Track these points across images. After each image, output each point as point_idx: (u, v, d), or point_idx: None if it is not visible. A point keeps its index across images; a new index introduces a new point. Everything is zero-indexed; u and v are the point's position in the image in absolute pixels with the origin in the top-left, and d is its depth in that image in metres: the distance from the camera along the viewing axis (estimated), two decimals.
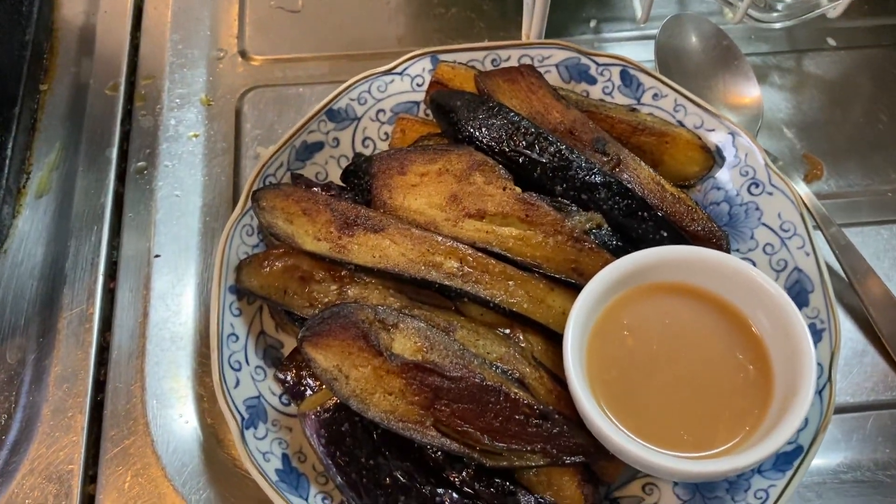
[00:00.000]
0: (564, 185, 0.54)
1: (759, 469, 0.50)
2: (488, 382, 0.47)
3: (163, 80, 0.68)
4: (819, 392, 0.50)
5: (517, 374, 0.49)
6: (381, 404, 0.46)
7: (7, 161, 0.63)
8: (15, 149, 0.64)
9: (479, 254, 0.51)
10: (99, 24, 0.71)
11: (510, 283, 0.51)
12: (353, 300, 0.50)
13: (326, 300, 0.50)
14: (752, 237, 0.57)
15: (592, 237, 0.53)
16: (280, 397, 0.53)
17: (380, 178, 0.54)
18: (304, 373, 0.53)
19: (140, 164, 0.65)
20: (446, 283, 0.50)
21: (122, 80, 0.68)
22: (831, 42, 0.70)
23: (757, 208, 0.57)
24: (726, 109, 0.64)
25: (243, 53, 0.71)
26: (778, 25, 0.65)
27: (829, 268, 0.58)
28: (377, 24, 0.72)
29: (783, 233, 0.56)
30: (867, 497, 0.53)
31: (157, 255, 0.61)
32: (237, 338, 0.53)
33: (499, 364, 0.48)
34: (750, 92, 0.65)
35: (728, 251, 0.56)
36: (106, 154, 0.65)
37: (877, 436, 0.55)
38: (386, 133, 0.62)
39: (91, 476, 0.54)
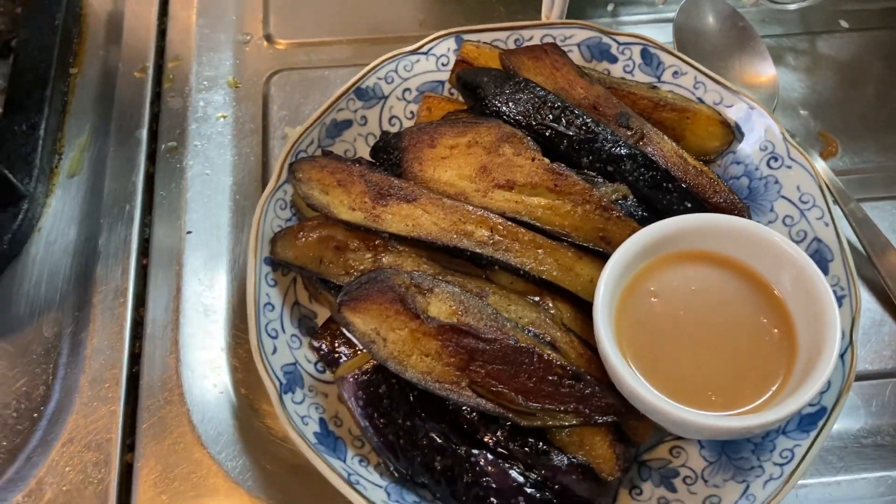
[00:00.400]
0: (590, 157, 0.56)
1: (783, 430, 0.51)
2: (522, 344, 0.48)
3: (190, 63, 0.70)
4: (841, 355, 0.52)
5: (548, 338, 0.50)
6: (419, 366, 0.48)
7: (40, 142, 0.65)
8: (47, 130, 0.65)
9: (509, 223, 0.52)
10: (127, 9, 0.72)
11: (539, 251, 0.52)
12: (387, 267, 0.51)
13: (362, 268, 0.52)
14: (771, 209, 0.59)
15: (620, 208, 0.54)
16: (315, 365, 0.54)
17: (410, 151, 0.56)
18: (337, 341, 0.54)
19: (170, 144, 0.66)
20: (478, 250, 0.51)
21: (151, 63, 0.70)
22: (844, 24, 0.72)
23: (776, 181, 0.59)
24: (743, 88, 0.66)
25: (268, 37, 0.72)
26: (793, 7, 0.66)
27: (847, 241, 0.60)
28: (398, 8, 0.74)
29: (802, 205, 0.58)
30: (887, 460, 0.54)
31: (188, 232, 0.62)
32: (273, 307, 0.54)
33: (530, 328, 0.50)
34: (766, 71, 0.66)
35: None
36: (136, 135, 0.66)
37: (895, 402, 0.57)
38: (412, 112, 0.63)
39: (129, 445, 0.56)
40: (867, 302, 0.60)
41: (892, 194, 0.64)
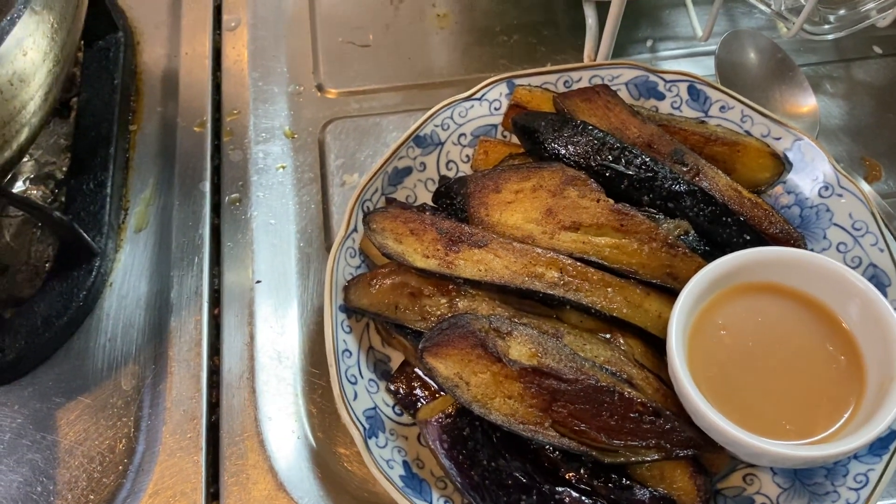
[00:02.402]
0: (651, 195, 0.57)
1: (855, 454, 0.52)
2: (602, 384, 0.49)
3: (247, 116, 0.72)
4: None
5: (625, 376, 0.51)
6: (502, 408, 0.49)
7: (107, 199, 0.67)
8: (113, 187, 0.68)
9: (578, 263, 0.54)
10: (181, 66, 0.75)
11: (609, 289, 0.54)
12: (463, 312, 0.53)
13: (439, 313, 0.53)
14: (824, 237, 0.60)
15: (683, 243, 0.56)
16: (393, 408, 0.56)
17: (476, 198, 0.57)
18: (414, 384, 0.56)
19: (234, 195, 0.68)
20: (550, 292, 0.53)
21: (208, 117, 0.72)
22: (877, 50, 0.74)
23: (828, 210, 0.61)
24: (785, 118, 0.68)
25: (320, 87, 0.74)
26: (830, 37, 0.68)
27: None
28: (443, 54, 0.76)
29: (855, 231, 0.59)
30: None
31: (258, 281, 0.64)
32: (350, 353, 0.56)
33: (607, 367, 0.51)
34: (807, 101, 0.68)
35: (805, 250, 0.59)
36: (199, 187, 0.68)
37: None
38: (467, 155, 0.65)
39: (213, 493, 0.57)
40: None
41: None
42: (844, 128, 0.70)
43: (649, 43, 0.75)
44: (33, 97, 0.53)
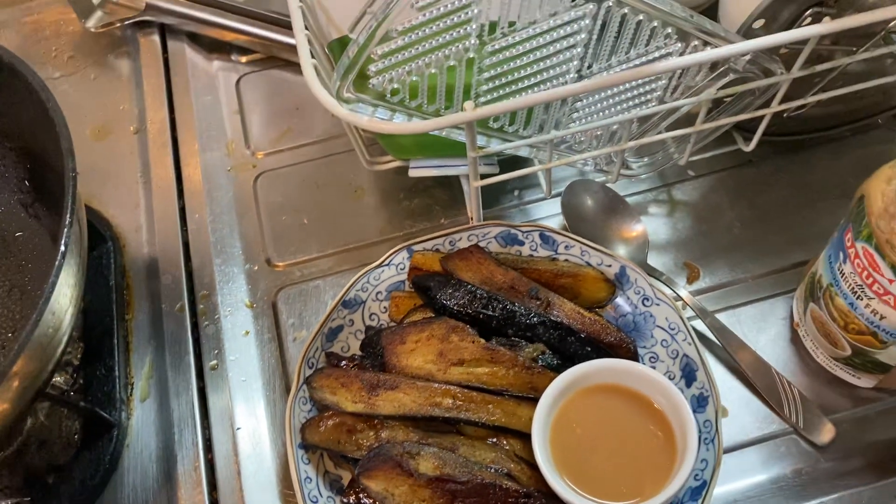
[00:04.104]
0: (514, 329, 0.78)
1: (681, 500, 0.72)
2: (487, 480, 0.69)
3: (216, 294, 0.93)
4: (712, 440, 0.74)
5: (506, 470, 0.72)
6: None
7: (116, 380, 0.87)
8: (120, 369, 0.88)
9: (465, 390, 0.75)
10: (160, 260, 0.96)
11: (490, 406, 0.74)
12: (386, 440, 0.73)
13: (368, 444, 0.73)
14: (651, 336, 0.81)
15: (540, 362, 0.77)
16: None
17: (388, 348, 0.78)
18: (361, 495, 0.75)
19: (212, 362, 0.88)
20: (447, 415, 0.73)
21: (185, 300, 0.93)
22: (690, 172, 0.96)
23: (651, 315, 0.82)
24: (621, 242, 0.89)
25: (269, 262, 0.95)
26: (644, 175, 0.90)
27: (715, 343, 0.83)
28: (362, 221, 0.97)
29: (671, 330, 0.80)
30: None
31: (238, 428, 0.84)
32: (311, 479, 0.76)
33: (492, 466, 0.72)
34: (636, 226, 0.90)
35: (636, 351, 0.80)
36: (185, 360, 0.89)
37: (766, 461, 0.78)
38: (384, 307, 0.86)
39: None
40: (737, 388, 0.81)
41: (742, 302, 0.87)
42: (669, 240, 0.92)
43: (516, 192, 0.97)
44: (67, 321, 0.73)
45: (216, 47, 1.14)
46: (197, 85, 1.11)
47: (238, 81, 1.11)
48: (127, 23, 1.15)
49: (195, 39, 1.15)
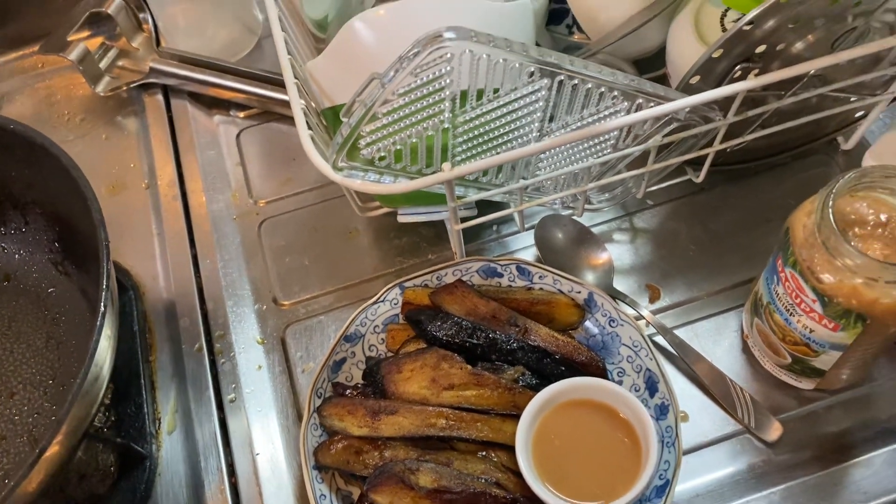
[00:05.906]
0: (496, 354, 0.89)
1: (648, 498, 0.83)
2: (478, 489, 0.80)
3: (230, 334, 1.03)
4: (673, 444, 0.85)
5: (494, 479, 0.82)
6: None
7: (146, 416, 0.97)
8: (148, 406, 0.98)
9: (456, 411, 0.85)
10: (177, 305, 1.06)
11: (478, 424, 0.85)
12: (389, 459, 0.84)
13: (373, 462, 0.84)
14: (618, 353, 0.92)
15: (520, 383, 0.87)
16: None
17: (387, 378, 0.89)
18: None
19: (231, 396, 0.99)
20: (441, 434, 0.84)
21: (202, 340, 1.03)
22: (649, 202, 1.07)
23: (617, 335, 0.92)
24: (589, 270, 1.00)
25: (275, 301, 1.06)
26: (606, 208, 1.01)
27: (676, 357, 0.94)
28: (358, 260, 1.08)
29: (635, 347, 0.91)
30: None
31: (257, 454, 0.95)
32: (325, 496, 0.86)
33: (482, 476, 0.82)
34: (602, 255, 1.01)
35: (605, 368, 0.91)
36: (206, 394, 0.99)
37: (723, 459, 0.89)
38: (382, 339, 0.97)
39: None
40: (696, 396, 0.92)
41: (699, 317, 0.98)
42: (633, 265, 1.03)
43: (495, 227, 1.08)
44: (106, 368, 0.83)
45: (216, 104, 1.25)
46: (200, 140, 1.21)
47: (238, 135, 1.22)
48: (133, 85, 1.25)
49: (196, 98, 1.25)
